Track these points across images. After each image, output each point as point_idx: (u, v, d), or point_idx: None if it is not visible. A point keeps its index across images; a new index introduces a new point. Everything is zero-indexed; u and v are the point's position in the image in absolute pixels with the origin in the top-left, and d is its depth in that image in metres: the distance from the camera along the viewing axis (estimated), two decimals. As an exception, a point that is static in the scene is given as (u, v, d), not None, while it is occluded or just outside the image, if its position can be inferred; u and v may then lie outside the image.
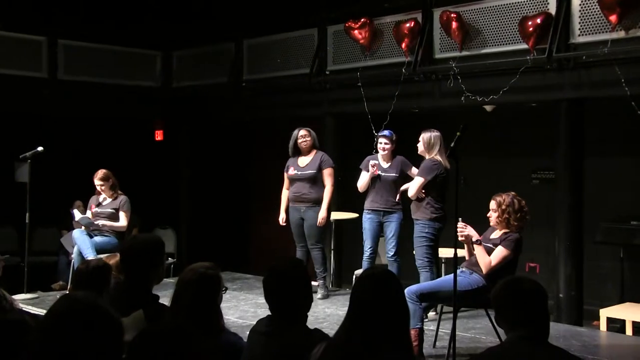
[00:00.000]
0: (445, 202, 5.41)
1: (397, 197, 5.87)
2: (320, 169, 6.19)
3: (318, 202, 6.19)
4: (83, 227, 6.42)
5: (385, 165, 5.93)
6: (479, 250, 4.44)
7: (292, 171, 6.29)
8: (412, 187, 5.41)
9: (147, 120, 9.24)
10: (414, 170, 5.87)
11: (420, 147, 5.46)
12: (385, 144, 5.90)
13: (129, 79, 8.76)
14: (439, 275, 5.60)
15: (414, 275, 5.47)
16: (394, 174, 5.89)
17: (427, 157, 5.44)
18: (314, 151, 6.27)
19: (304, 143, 6.23)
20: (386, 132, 5.96)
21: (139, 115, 9.00)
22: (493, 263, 4.40)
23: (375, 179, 5.89)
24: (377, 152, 6.04)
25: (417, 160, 5.80)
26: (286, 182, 6.38)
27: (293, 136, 6.26)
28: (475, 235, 4.50)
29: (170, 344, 1.73)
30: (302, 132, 6.25)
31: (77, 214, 6.60)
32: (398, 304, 2.36)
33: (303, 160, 6.28)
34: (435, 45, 6.72)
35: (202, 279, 2.72)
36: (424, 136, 5.45)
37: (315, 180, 6.20)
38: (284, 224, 6.36)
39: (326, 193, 6.16)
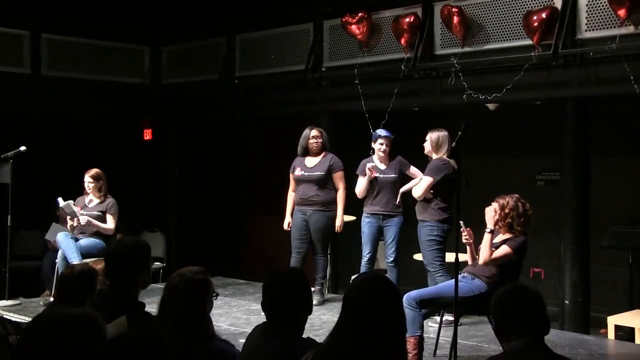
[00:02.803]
0: (451, 205, 5.31)
1: (398, 200, 5.78)
2: (330, 172, 6.07)
3: (325, 205, 6.07)
4: (68, 224, 6.26)
5: (382, 166, 5.85)
6: (487, 239, 4.33)
7: (298, 172, 6.14)
8: (420, 187, 5.32)
9: (135, 119, 9.13)
10: (413, 169, 5.84)
11: (427, 146, 5.39)
12: (385, 145, 5.80)
13: (116, 75, 8.63)
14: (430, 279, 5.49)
15: (413, 281, 5.43)
16: (393, 175, 5.81)
17: (434, 157, 5.37)
18: (323, 152, 6.16)
19: (315, 144, 6.11)
20: (386, 133, 5.87)
21: (127, 113, 8.88)
22: (493, 256, 4.33)
23: (373, 182, 5.78)
24: (373, 153, 5.95)
25: (416, 160, 5.68)
26: (292, 184, 6.21)
27: (304, 135, 6.15)
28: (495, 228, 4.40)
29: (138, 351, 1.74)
30: (314, 132, 6.14)
31: (62, 201, 6.37)
32: (393, 310, 2.26)
33: (311, 161, 6.14)
34: (435, 41, 6.64)
35: (190, 284, 2.67)
36: (432, 136, 5.37)
37: (324, 182, 6.07)
38: (289, 229, 6.18)
39: (340, 197, 6.07)
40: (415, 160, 5.89)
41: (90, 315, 1.82)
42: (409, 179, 5.84)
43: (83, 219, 6.27)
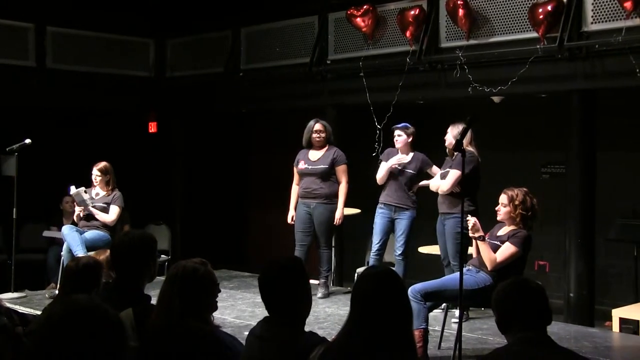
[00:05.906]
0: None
1: (414, 189, 5.72)
2: (333, 165, 6.05)
3: (329, 198, 6.04)
4: (75, 215, 6.28)
5: (406, 158, 5.77)
6: (482, 247, 4.34)
7: (302, 165, 6.13)
8: (448, 182, 5.24)
9: (140, 112, 9.12)
10: (435, 169, 5.74)
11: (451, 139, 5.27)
12: (399, 135, 5.73)
13: (121, 68, 8.62)
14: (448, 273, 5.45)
15: (420, 275, 5.36)
16: (411, 171, 5.73)
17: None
18: (327, 145, 6.13)
19: (317, 138, 6.10)
20: (400, 125, 5.80)
21: (132, 106, 8.87)
22: (499, 259, 4.32)
23: (392, 173, 5.72)
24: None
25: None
26: (296, 177, 6.21)
27: (308, 128, 6.13)
28: (479, 231, 4.39)
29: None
30: (318, 126, 6.10)
31: (73, 189, 6.35)
32: (400, 303, 2.31)
33: (314, 154, 6.12)
34: (441, 34, 6.61)
35: (192, 275, 2.65)
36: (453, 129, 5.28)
37: (327, 176, 6.05)
38: (293, 223, 6.17)
39: (342, 191, 6.04)
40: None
41: (104, 309, 1.76)
42: (427, 176, 5.74)
43: (92, 209, 6.26)
